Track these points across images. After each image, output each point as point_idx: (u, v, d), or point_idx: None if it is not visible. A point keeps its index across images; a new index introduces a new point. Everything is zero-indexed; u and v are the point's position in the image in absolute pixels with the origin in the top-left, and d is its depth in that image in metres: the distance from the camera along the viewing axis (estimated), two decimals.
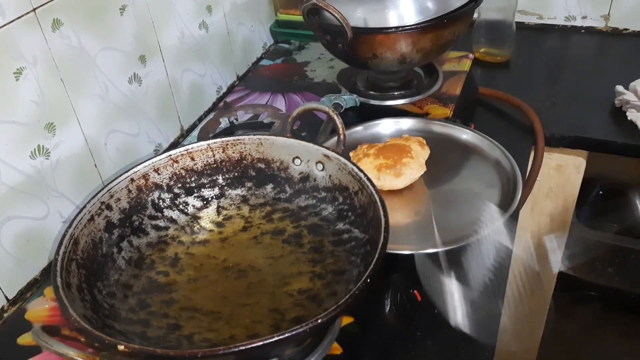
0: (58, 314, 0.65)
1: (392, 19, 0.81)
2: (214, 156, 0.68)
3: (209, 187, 0.69)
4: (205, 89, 1.02)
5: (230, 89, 1.08)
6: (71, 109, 0.74)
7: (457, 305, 0.60)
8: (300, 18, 1.17)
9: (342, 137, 0.67)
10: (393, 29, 0.79)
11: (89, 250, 0.57)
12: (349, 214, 0.62)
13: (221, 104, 1.00)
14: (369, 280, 0.46)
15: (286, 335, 0.42)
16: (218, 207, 0.68)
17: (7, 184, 0.66)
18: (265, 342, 0.42)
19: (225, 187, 0.69)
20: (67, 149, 0.74)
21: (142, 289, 0.58)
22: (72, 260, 0.53)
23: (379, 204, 0.55)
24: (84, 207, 0.58)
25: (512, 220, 0.73)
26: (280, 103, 0.97)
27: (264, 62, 1.14)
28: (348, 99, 0.90)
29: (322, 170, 0.66)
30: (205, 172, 0.68)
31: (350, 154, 0.77)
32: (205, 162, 0.68)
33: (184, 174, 0.67)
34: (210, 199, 0.69)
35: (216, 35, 1.03)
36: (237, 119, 0.94)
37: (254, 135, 0.68)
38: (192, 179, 0.68)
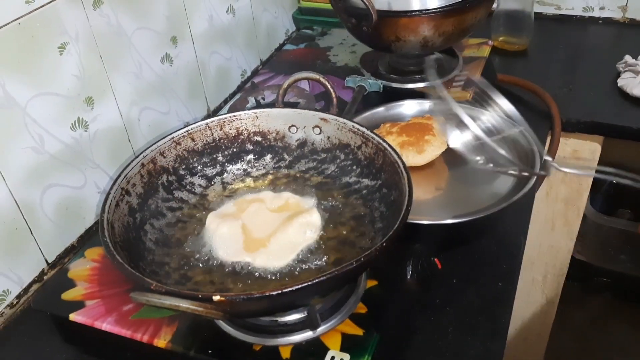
0: (98, 273, 0.68)
1: (416, 2, 0.83)
2: (212, 135, 0.69)
3: (210, 165, 0.70)
4: (231, 72, 1.05)
5: (254, 73, 1.12)
6: (108, 84, 0.77)
7: None
8: (322, 5, 1.20)
9: (334, 100, 0.71)
10: (417, 12, 0.82)
11: (123, 234, 0.57)
12: (354, 167, 0.65)
13: (248, 84, 1.03)
14: (410, 207, 0.50)
15: (347, 268, 0.45)
16: (222, 183, 0.70)
17: (50, 152, 0.70)
18: (329, 276, 0.45)
19: (226, 164, 0.71)
20: (104, 122, 0.78)
21: (179, 265, 0.60)
22: (116, 243, 0.54)
23: (389, 149, 0.58)
24: (109, 193, 0.59)
25: (529, 200, 0.75)
26: (304, 84, 1.00)
27: (288, 46, 1.17)
28: (372, 84, 0.93)
29: (320, 133, 0.68)
30: (206, 151, 0.69)
31: None
32: (204, 141, 0.69)
33: (186, 155, 0.68)
34: (213, 176, 0.70)
35: (242, 20, 1.06)
36: (264, 98, 0.97)
37: (249, 110, 0.70)
38: (194, 159, 0.69)
